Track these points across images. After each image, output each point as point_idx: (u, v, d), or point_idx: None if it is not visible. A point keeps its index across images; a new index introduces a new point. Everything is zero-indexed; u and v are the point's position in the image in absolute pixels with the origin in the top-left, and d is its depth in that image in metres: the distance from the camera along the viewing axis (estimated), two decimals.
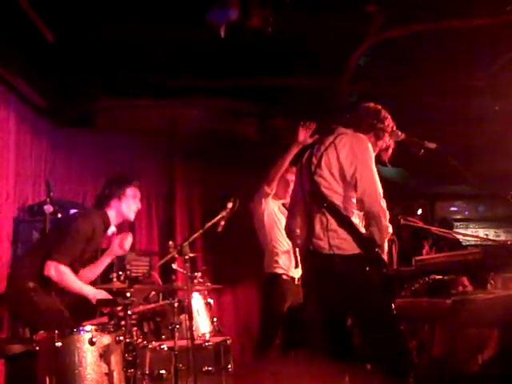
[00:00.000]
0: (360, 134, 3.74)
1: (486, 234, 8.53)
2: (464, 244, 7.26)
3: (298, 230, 3.87)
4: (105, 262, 4.68)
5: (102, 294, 4.34)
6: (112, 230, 4.64)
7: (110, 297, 4.33)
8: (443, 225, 7.57)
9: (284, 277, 5.30)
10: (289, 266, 5.30)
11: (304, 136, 5.08)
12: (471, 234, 8.03)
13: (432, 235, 6.91)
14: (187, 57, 6.11)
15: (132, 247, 7.03)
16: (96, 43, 5.83)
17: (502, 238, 9.36)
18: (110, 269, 5.28)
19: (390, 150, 3.89)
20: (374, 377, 5.00)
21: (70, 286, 4.31)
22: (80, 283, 4.36)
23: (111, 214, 4.57)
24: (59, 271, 4.23)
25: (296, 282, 5.31)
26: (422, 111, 6.84)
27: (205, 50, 5.88)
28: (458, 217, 9.77)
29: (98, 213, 4.54)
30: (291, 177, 5.19)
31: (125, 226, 7.23)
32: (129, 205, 4.59)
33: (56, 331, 3.78)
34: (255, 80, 6.67)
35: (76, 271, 4.41)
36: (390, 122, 3.87)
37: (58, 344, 3.75)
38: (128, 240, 4.64)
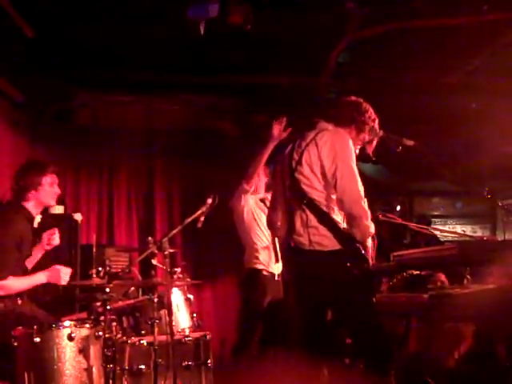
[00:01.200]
0: (341, 129, 3.74)
1: (464, 230, 8.63)
2: (441, 240, 7.34)
3: (279, 223, 3.89)
4: (36, 256, 4.48)
5: (53, 271, 4.24)
6: (37, 220, 4.51)
7: (68, 268, 4.29)
8: (421, 221, 7.64)
9: (264, 272, 5.33)
10: (268, 261, 5.33)
11: (278, 131, 5.12)
12: (449, 229, 8.12)
13: (410, 230, 6.98)
14: (167, 53, 6.10)
15: (112, 243, 7.10)
16: (76, 39, 5.80)
17: (479, 233, 9.48)
18: (89, 265, 5.28)
19: (375, 143, 3.90)
20: (354, 371, 5.05)
21: (21, 289, 4.18)
22: (28, 279, 4.22)
23: (30, 206, 4.37)
24: (2, 288, 4.08)
25: (276, 278, 5.35)
26: (399, 109, 6.89)
27: (186, 46, 5.88)
28: (436, 213, 9.87)
29: (18, 213, 4.35)
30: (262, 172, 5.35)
31: (104, 224, 7.27)
32: (47, 192, 4.39)
33: (35, 326, 3.77)
34: (236, 76, 6.68)
35: (23, 271, 4.29)
36: (371, 115, 3.86)
37: (37, 339, 3.73)
38: (55, 236, 4.50)
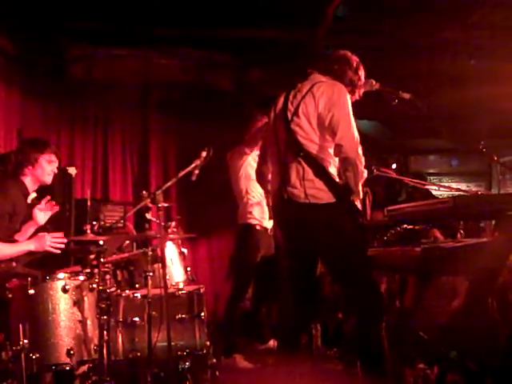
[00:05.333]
0: (339, 82, 3.71)
1: (459, 188, 8.63)
2: (437, 197, 7.33)
3: (270, 176, 3.87)
4: (27, 232, 4.44)
5: (41, 238, 4.15)
6: (32, 196, 4.52)
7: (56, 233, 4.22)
8: (417, 179, 7.62)
9: (257, 227, 5.34)
10: (262, 216, 5.34)
11: None
12: (444, 185, 8.11)
13: (405, 187, 6.97)
14: (164, 6, 6.01)
15: (106, 197, 7.09)
16: None
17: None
18: (83, 219, 5.28)
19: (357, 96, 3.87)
20: (346, 324, 5.10)
21: (9, 255, 4.13)
22: (16, 246, 4.17)
23: (27, 181, 4.44)
24: None
25: (269, 233, 5.36)
26: (397, 65, 6.83)
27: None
28: (432, 171, 9.87)
29: (15, 184, 4.40)
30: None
31: (98, 178, 7.26)
32: (43, 170, 4.45)
33: (29, 278, 3.79)
34: (232, 31, 6.59)
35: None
36: (364, 77, 3.85)
37: (31, 292, 3.77)
38: (47, 205, 4.48)
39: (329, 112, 3.53)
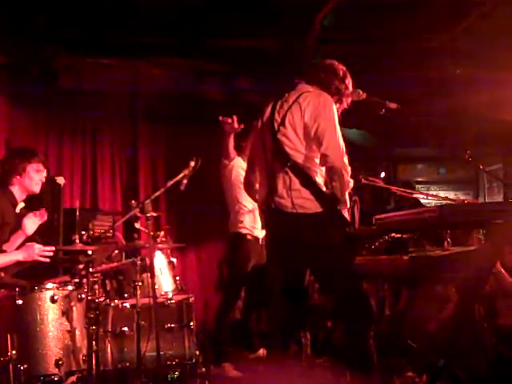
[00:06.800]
0: (325, 92, 3.73)
1: (446, 196, 8.69)
2: (425, 206, 7.37)
3: (258, 185, 3.88)
4: (15, 242, 4.36)
5: (30, 248, 4.12)
6: (20, 206, 4.52)
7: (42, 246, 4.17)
8: (405, 187, 7.66)
9: (248, 237, 5.34)
10: (253, 225, 5.34)
11: (230, 128, 5.14)
12: (431, 193, 8.16)
13: (394, 196, 7.00)
14: (153, 16, 6.02)
15: (95, 207, 7.08)
16: None
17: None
18: (72, 229, 5.28)
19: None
20: (335, 333, 5.11)
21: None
22: (4, 256, 4.14)
23: (15, 190, 4.44)
24: None
25: (260, 242, 5.37)
26: (384, 74, 6.87)
27: (170, 9, 5.80)
28: (420, 179, 9.92)
29: (3, 194, 4.41)
30: None
31: (87, 188, 7.24)
32: (31, 179, 4.45)
33: (17, 289, 3.78)
34: (221, 40, 6.61)
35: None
36: (351, 87, 3.88)
37: (19, 302, 3.75)
38: (36, 217, 4.43)
39: (315, 122, 3.55)
